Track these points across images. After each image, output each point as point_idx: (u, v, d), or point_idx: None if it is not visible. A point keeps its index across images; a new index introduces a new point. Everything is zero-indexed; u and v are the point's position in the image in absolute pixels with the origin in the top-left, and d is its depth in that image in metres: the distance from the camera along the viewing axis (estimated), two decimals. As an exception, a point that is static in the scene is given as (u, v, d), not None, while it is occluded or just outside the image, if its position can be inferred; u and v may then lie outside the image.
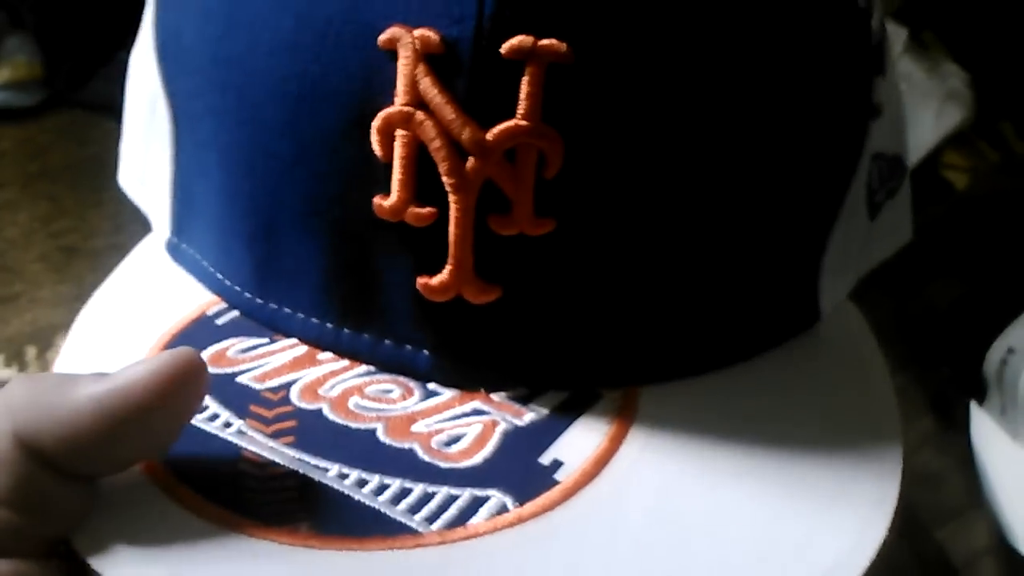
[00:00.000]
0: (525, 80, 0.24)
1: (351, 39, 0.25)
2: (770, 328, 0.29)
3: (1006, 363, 0.60)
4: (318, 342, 0.27)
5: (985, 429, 0.62)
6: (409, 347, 0.27)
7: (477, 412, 0.26)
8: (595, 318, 0.26)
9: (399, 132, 0.24)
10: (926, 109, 0.90)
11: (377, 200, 0.25)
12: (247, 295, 0.28)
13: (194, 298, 0.29)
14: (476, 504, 0.24)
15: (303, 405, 0.26)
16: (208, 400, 0.26)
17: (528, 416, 0.26)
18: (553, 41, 0.24)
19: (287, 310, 0.28)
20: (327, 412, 0.26)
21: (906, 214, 0.35)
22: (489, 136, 0.24)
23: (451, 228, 0.25)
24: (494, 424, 0.26)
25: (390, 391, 0.26)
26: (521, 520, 0.23)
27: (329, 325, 0.27)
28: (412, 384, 0.27)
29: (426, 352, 0.27)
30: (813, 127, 0.27)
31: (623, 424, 0.26)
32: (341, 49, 0.25)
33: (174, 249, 0.31)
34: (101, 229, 0.78)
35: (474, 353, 0.26)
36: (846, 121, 0.29)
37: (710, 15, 0.25)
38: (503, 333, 0.26)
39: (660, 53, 0.25)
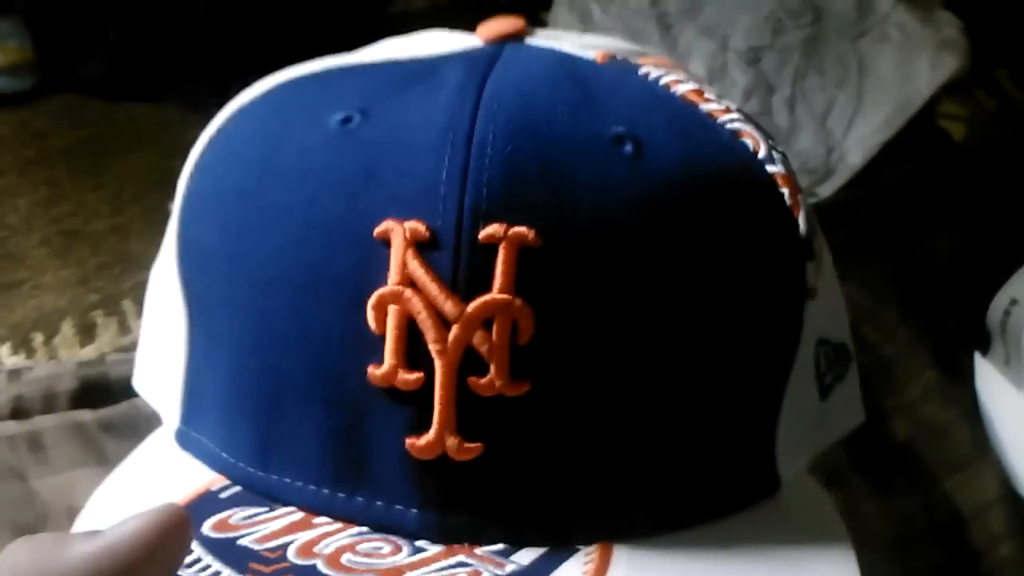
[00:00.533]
0: (499, 260, 0.28)
1: (351, 234, 0.29)
2: (732, 492, 0.32)
3: (1009, 314, 0.60)
4: (315, 508, 0.30)
5: (990, 380, 0.62)
6: (399, 507, 0.30)
7: (461, 564, 0.28)
8: (568, 474, 0.30)
9: (391, 307, 0.28)
10: (921, 59, 0.90)
11: (371, 369, 0.29)
12: (249, 469, 0.32)
13: (199, 477, 0.32)
14: None
15: (299, 561, 0.28)
16: (210, 559, 0.28)
17: (509, 568, 0.28)
18: (523, 228, 0.28)
19: (287, 480, 0.31)
20: (321, 567, 0.28)
21: (856, 397, 0.39)
22: (469, 308, 0.28)
23: (436, 390, 0.28)
24: (477, 575, 0.28)
25: (380, 548, 0.29)
26: None
27: (325, 491, 0.30)
28: (401, 541, 0.29)
29: (414, 510, 0.30)
30: (753, 311, 0.32)
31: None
32: (342, 242, 0.29)
33: (183, 437, 0.35)
34: (101, 211, 0.78)
35: (458, 508, 0.30)
36: (783, 303, 0.33)
37: (657, 231, 0.30)
38: (485, 489, 0.29)
39: (613, 251, 0.29)
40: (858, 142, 0.89)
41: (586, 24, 0.92)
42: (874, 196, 0.76)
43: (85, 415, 0.52)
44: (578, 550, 0.29)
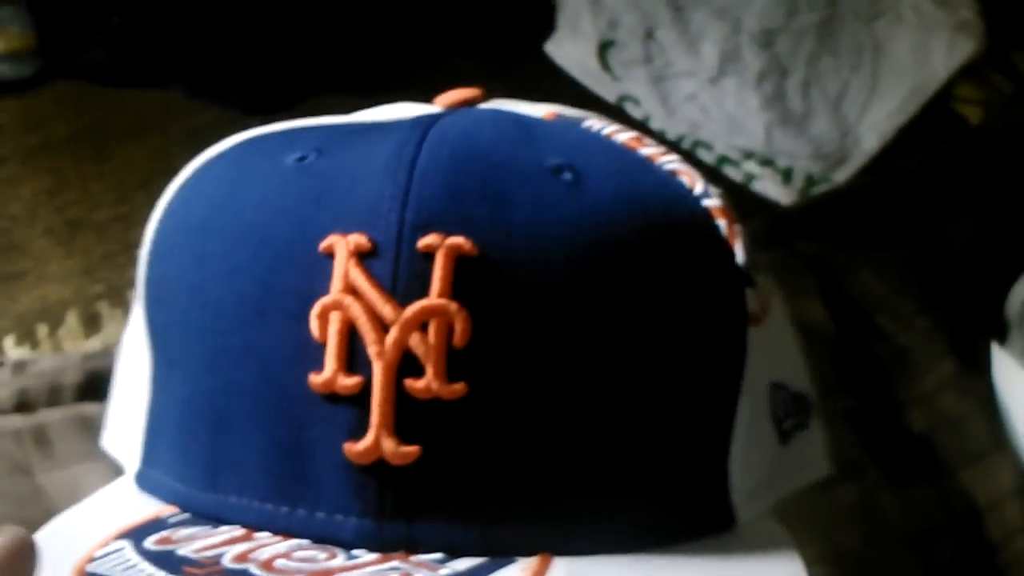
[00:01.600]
0: (436, 266, 0.29)
1: (298, 252, 0.31)
2: (679, 520, 0.32)
3: (1029, 304, 0.60)
4: (256, 524, 0.31)
5: (1007, 370, 0.61)
6: (339, 516, 0.30)
7: (394, 569, 0.29)
8: (504, 482, 0.30)
9: (332, 314, 0.29)
10: (936, 41, 0.89)
11: (312, 376, 0.30)
12: (199, 492, 0.32)
13: (150, 508, 0.33)
14: None
15: (232, 566, 0.29)
16: (146, 564, 0.29)
17: (443, 571, 0.29)
18: (460, 238, 0.30)
19: (232, 498, 0.31)
20: (253, 570, 0.28)
21: (821, 450, 0.39)
22: (406, 311, 0.29)
23: (375, 393, 0.29)
24: None
25: (316, 556, 0.30)
26: None
27: (268, 506, 0.31)
28: (338, 550, 0.30)
29: (353, 519, 0.30)
30: (690, 329, 0.32)
31: None
32: (290, 259, 0.31)
33: (141, 477, 0.35)
34: (105, 200, 0.77)
35: (394, 516, 0.30)
36: (722, 325, 0.33)
37: (593, 251, 0.31)
38: (422, 495, 0.30)
39: (548, 264, 0.30)
40: (873, 126, 0.87)
41: (597, 5, 0.91)
42: (890, 182, 0.75)
43: (91, 408, 0.51)
44: (515, 560, 0.29)
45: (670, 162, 0.35)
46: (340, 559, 0.29)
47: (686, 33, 0.90)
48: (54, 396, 0.53)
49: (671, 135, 0.88)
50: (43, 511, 0.46)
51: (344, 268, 0.30)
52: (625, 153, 0.35)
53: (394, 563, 0.29)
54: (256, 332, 0.31)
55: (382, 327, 0.29)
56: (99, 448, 0.50)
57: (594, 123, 0.37)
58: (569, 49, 0.93)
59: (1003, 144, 0.78)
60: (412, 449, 0.29)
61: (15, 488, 0.48)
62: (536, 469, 0.30)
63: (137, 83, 0.83)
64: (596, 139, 0.36)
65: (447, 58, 0.93)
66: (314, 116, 0.38)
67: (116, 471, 0.37)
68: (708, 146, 0.89)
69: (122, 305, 0.68)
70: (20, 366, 0.54)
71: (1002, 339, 0.63)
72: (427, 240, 0.30)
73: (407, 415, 0.29)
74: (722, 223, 0.34)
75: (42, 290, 0.69)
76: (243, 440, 0.31)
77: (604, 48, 0.91)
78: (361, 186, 0.31)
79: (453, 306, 0.29)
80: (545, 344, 0.30)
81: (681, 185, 0.35)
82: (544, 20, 0.95)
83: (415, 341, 0.29)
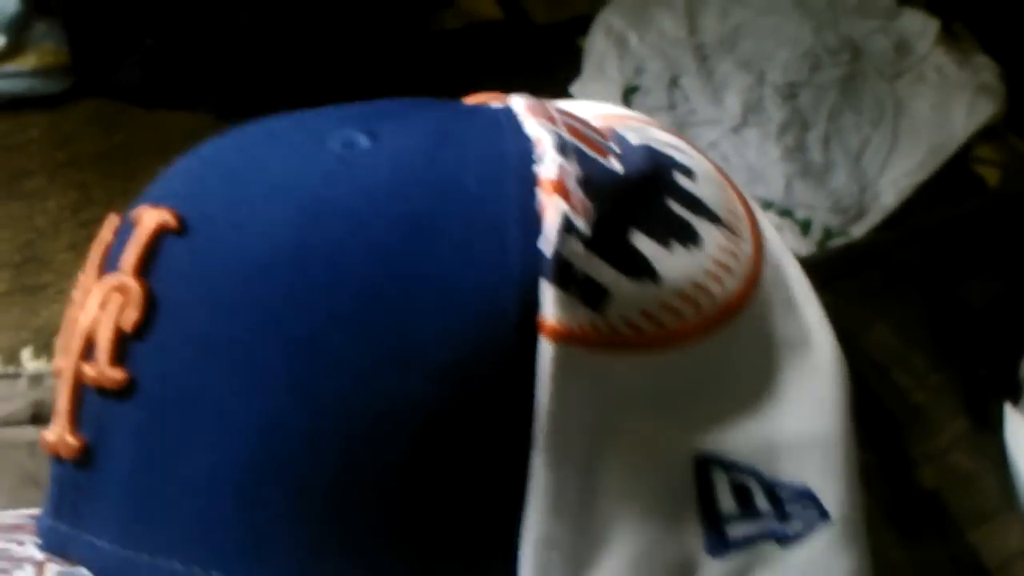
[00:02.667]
0: (132, 240, 0.27)
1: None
2: None
3: (1044, 366, 0.60)
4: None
5: (1020, 431, 0.61)
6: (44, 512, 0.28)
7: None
8: (164, 499, 0.26)
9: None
10: (957, 102, 0.89)
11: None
12: None
13: None
14: None
15: None
16: None
17: None
18: (164, 211, 0.27)
19: None
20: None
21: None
22: (93, 289, 0.27)
23: (63, 375, 0.27)
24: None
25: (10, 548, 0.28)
26: None
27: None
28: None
29: (46, 516, 0.28)
30: (423, 344, 0.25)
31: None
32: None
33: None
34: (129, 218, 0.77)
35: (60, 516, 0.27)
36: (482, 341, 0.25)
37: (306, 251, 0.26)
38: (86, 497, 0.27)
39: (254, 244, 0.26)
40: (892, 183, 0.88)
41: (622, 51, 0.92)
42: (908, 238, 0.76)
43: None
44: None
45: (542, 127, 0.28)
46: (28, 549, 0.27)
47: (710, 82, 0.91)
48: (72, 409, 0.53)
49: (691, 182, 0.88)
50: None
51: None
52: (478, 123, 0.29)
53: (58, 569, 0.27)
54: None
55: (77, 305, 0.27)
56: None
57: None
58: (594, 92, 0.93)
59: (1021, 207, 0.79)
60: (75, 442, 0.26)
61: (30, 501, 0.48)
62: (185, 485, 0.25)
63: (168, 104, 0.83)
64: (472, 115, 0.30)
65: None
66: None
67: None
68: (727, 194, 0.89)
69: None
70: (37, 379, 0.55)
71: (1016, 400, 0.63)
72: (136, 212, 0.27)
73: (83, 404, 0.26)
74: (543, 195, 0.26)
75: (62, 304, 0.69)
76: None
77: (629, 93, 0.92)
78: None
79: (132, 284, 0.26)
80: (224, 338, 0.25)
81: (505, 154, 0.27)
82: (571, 63, 0.95)
83: (97, 322, 0.26)
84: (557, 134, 0.27)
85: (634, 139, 0.29)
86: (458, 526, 0.25)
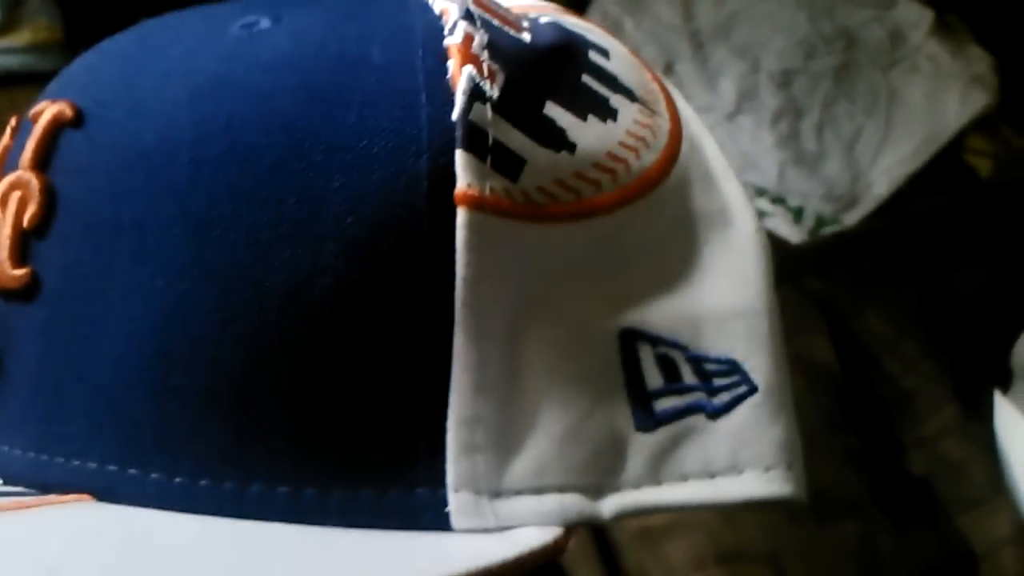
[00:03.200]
0: (31, 135, 0.26)
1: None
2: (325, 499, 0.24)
3: (1035, 355, 0.60)
4: None
5: (1009, 419, 0.62)
6: None
7: None
8: (66, 402, 0.25)
9: None
10: (950, 92, 0.90)
11: None
12: None
13: None
14: None
15: None
16: None
17: None
18: (63, 103, 0.26)
19: None
20: None
21: (765, 452, 0.26)
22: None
23: None
24: None
25: None
26: None
27: None
28: None
29: None
30: (335, 222, 0.24)
31: None
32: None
33: None
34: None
35: None
36: (398, 211, 0.24)
37: (205, 131, 0.25)
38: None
39: (149, 131, 0.25)
40: (885, 172, 0.88)
41: (617, 37, 0.92)
42: (900, 227, 0.76)
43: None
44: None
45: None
46: None
47: (705, 69, 0.91)
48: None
49: (685, 168, 0.89)
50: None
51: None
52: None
53: None
54: None
55: None
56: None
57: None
58: (589, 77, 0.94)
59: (1012, 197, 0.79)
60: None
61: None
62: (94, 382, 0.25)
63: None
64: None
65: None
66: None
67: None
68: (721, 181, 0.90)
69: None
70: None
71: (1005, 388, 0.64)
72: (34, 108, 0.26)
73: None
74: (455, 64, 0.25)
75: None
76: None
77: (623, 78, 0.92)
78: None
79: (31, 179, 0.25)
80: (126, 224, 0.24)
81: (414, 26, 0.26)
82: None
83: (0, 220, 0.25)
84: (464, 5, 0.26)
85: (546, 20, 0.29)
86: (379, 406, 0.24)
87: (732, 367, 0.26)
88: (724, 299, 0.27)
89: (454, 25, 0.26)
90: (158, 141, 0.25)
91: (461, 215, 0.24)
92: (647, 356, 0.26)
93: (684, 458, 0.26)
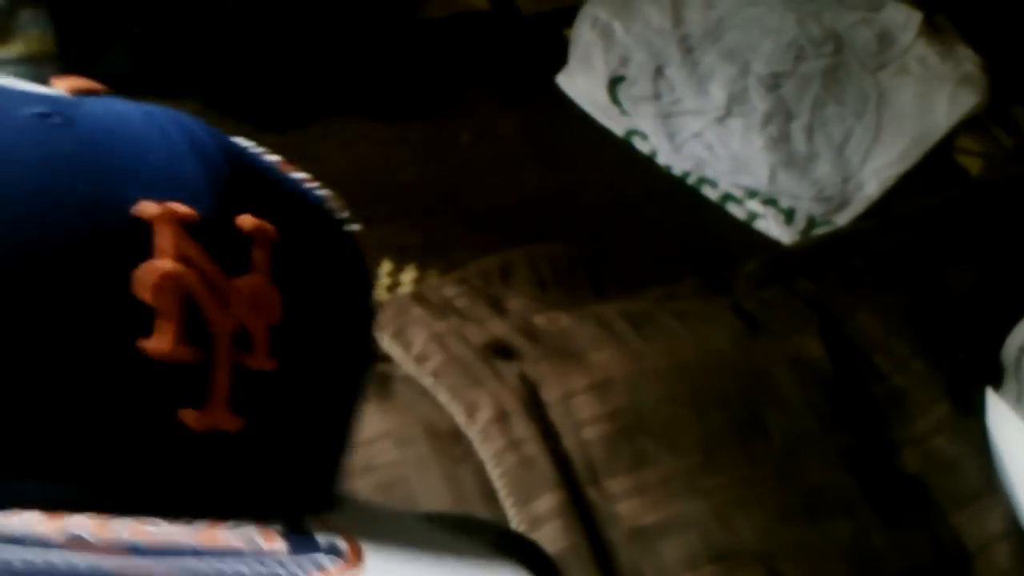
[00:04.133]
0: (258, 246, 0.30)
1: (103, 214, 0.29)
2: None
3: (1025, 352, 0.60)
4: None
5: (1001, 416, 0.62)
6: None
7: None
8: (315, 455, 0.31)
9: (168, 284, 0.29)
10: (940, 93, 0.90)
11: (145, 342, 0.29)
12: None
13: None
14: None
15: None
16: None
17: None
18: (266, 223, 0.30)
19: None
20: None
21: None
22: (243, 287, 0.30)
23: (217, 364, 0.29)
24: None
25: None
26: None
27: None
28: None
29: None
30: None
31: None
32: (93, 222, 0.29)
33: None
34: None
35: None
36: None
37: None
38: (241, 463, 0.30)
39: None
40: (875, 173, 0.89)
41: (607, 42, 0.92)
42: (891, 227, 0.76)
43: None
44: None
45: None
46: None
47: (695, 73, 0.92)
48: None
49: (677, 170, 0.89)
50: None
51: (174, 237, 0.30)
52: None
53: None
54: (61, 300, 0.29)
55: (221, 301, 0.30)
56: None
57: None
58: (580, 82, 0.94)
59: (1002, 196, 0.80)
60: (240, 420, 0.30)
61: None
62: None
63: (155, 92, 0.84)
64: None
65: (461, 87, 0.94)
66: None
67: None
68: (713, 183, 0.90)
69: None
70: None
71: (997, 385, 0.64)
72: (244, 219, 0.31)
73: (238, 388, 0.30)
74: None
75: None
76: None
77: (614, 83, 0.92)
78: (156, 155, 0.31)
79: (270, 284, 0.31)
80: (321, 320, 0.31)
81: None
82: (556, 53, 0.96)
83: (249, 317, 0.30)
84: None
85: None
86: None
87: None
88: None
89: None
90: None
91: None
92: None
93: None
